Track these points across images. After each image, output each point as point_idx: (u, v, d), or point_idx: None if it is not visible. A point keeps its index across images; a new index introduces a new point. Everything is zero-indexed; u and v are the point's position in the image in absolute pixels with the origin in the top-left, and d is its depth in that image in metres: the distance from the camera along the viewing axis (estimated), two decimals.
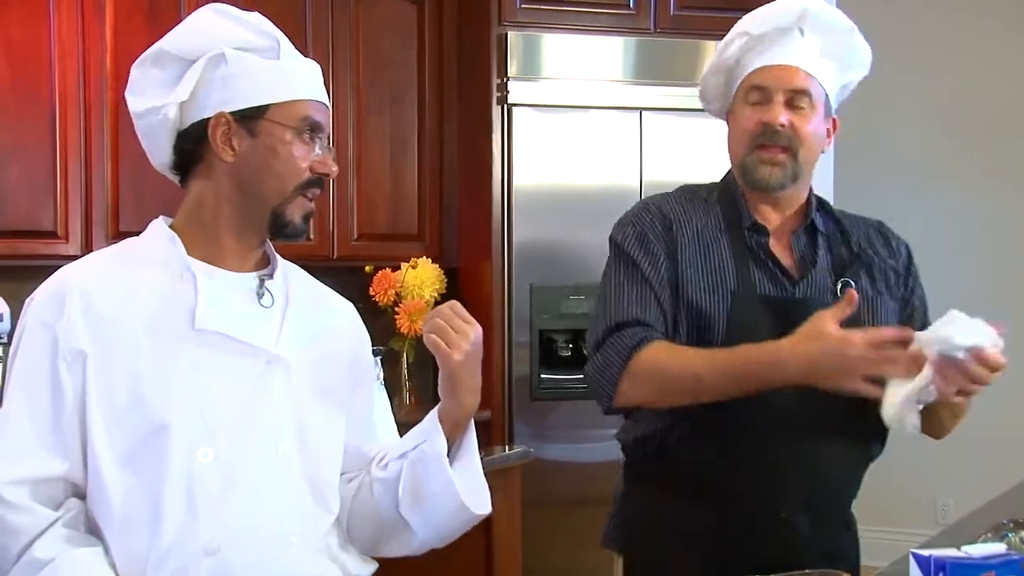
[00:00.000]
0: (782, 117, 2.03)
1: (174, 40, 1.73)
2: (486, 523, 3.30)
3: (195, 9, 4.13)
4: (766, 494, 2.03)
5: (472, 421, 1.79)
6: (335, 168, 1.76)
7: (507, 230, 4.08)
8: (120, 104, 4.02)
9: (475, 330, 1.71)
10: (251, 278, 1.75)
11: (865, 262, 2.11)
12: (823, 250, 2.10)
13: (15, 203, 3.93)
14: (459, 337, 1.69)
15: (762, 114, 2.05)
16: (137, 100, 1.74)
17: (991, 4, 5.40)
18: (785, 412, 1.98)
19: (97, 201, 4.00)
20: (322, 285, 1.90)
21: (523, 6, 4.10)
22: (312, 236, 4.23)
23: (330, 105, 1.80)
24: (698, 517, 2.07)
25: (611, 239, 2.19)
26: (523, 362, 4.08)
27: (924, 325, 2.04)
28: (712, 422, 2.01)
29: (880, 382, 1.83)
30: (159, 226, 1.75)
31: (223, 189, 1.71)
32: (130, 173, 4.04)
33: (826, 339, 1.84)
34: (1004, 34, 5.38)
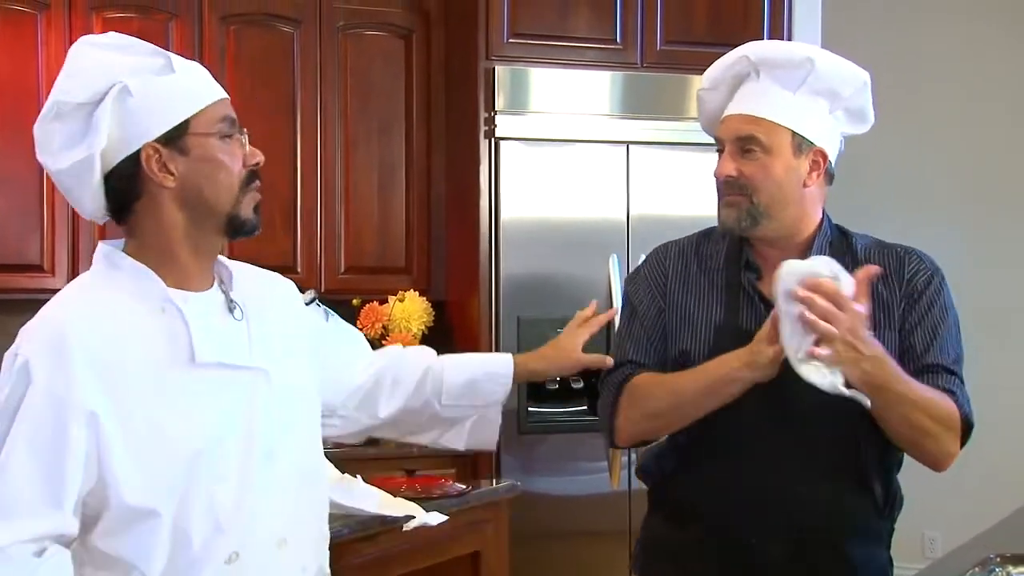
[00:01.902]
0: (727, 169, 2.10)
1: (66, 89, 1.70)
2: (474, 557, 3.29)
3: (182, 43, 4.18)
4: (741, 522, 2.09)
5: None
6: (262, 156, 1.76)
7: (495, 263, 4.08)
8: None
9: None
10: (217, 293, 1.77)
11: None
12: None
13: (1, 236, 3.92)
14: None
15: (718, 166, 2.14)
16: (54, 159, 1.71)
17: (977, 26, 5.44)
18: (768, 447, 2.07)
19: (84, 234, 4.00)
20: (249, 266, 1.90)
21: (511, 40, 4.12)
22: (300, 270, 4.23)
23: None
24: (684, 542, 2.16)
25: (624, 286, 2.36)
26: (511, 395, 4.04)
27: (923, 349, 2.09)
28: (697, 454, 2.12)
29: None
30: (121, 259, 1.72)
31: (172, 213, 1.70)
32: None
33: (753, 359, 1.98)
34: (991, 55, 5.41)
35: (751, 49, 2.14)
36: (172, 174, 1.68)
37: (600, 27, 4.22)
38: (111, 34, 1.75)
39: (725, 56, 2.18)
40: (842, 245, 2.17)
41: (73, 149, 1.68)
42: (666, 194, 4.21)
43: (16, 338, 1.68)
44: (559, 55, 4.18)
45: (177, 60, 1.72)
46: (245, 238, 1.77)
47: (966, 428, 2.07)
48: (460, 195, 4.29)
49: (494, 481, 3.66)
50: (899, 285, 2.14)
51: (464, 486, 3.18)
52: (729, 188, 2.11)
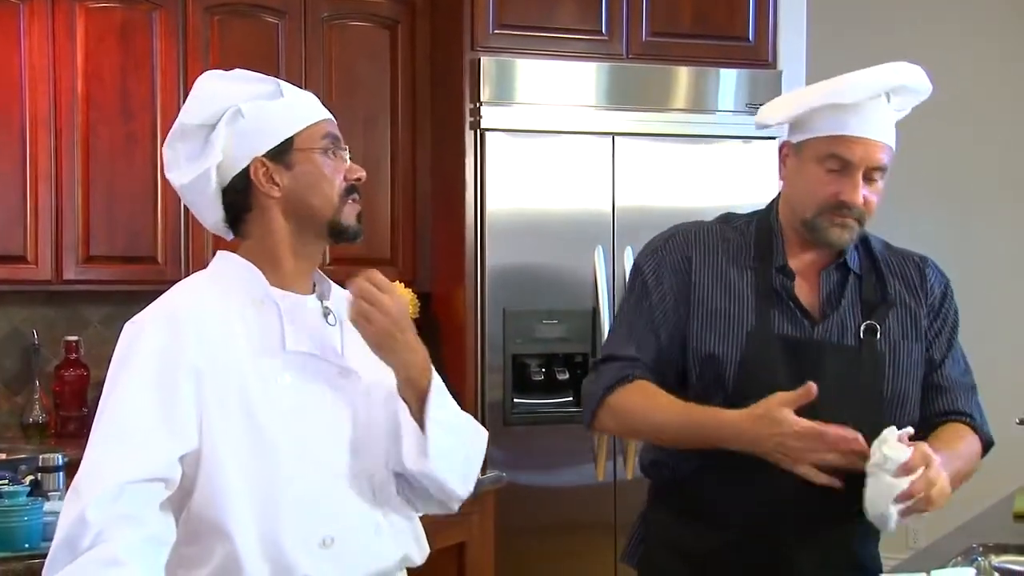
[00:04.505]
0: (860, 198, 2.02)
1: (192, 113, 1.90)
2: (459, 549, 3.30)
3: (166, 34, 4.17)
4: (770, 531, 2.06)
5: (429, 382, 1.90)
6: (363, 172, 1.96)
7: (480, 255, 4.08)
8: (91, 128, 4.02)
9: (387, 301, 1.84)
10: (314, 299, 1.93)
11: (895, 304, 2.11)
12: (852, 291, 2.10)
13: None
14: (371, 310, 1.83)
15: (839, 187, 2.02)
16: (179, 175, 1.91)
17: (960, 26, 5.46)
18: None
19: (67, 226, 3.98)
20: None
21: (496, 31, 4.11)
22: None
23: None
24: (706, 547, 2.11)
25: (636, 263, 2.22)
26: (496, 387, 4.08)
27: (940, 363, 2.13)
28: (724, 459, 2.03)
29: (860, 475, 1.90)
30: (232, 258, 1.91)
31: (279, 221, 1.88)
32: (101, 197, 4.02)
33: (770, 423, 1.90)
34: (975, 52, 5.43)
35: (910, 77, 2.08)
36: (278, 185, 1.87)
37: (585, 18, 4.21)
38: (236, 70, 1.95)
39: (875, 74, 2.07)
40: (864, 246, 2.15)
41: (193, 164, 1.89)
42: (651, 186, 4.21)
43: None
44: (545, 46, 4.17)
45: (286, 86, 1.93)
46: (348, 243, 1.95)
47: (987, 447, 2.13)
48: (446, 187, 4.28)
49: (479, 472, 3.67)
50: (923, 296, 2.14)
51: None
52: (848, 212, 2.03)
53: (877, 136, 2.03)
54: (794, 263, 2.11)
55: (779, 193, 2.18)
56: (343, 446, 1.86)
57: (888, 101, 2.07)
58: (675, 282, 2.11)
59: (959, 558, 2.12)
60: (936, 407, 2.12)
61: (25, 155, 3.94)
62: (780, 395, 1.91)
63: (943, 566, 2.01)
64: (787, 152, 2.12)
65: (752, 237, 2.14)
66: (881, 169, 2.03)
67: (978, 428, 2.12)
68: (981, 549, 2.19)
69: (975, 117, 5.44)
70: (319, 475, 1.82)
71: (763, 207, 2.21)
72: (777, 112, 2.16)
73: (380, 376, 1.95)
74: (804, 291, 2.10)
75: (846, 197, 2.01)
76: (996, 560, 2.15)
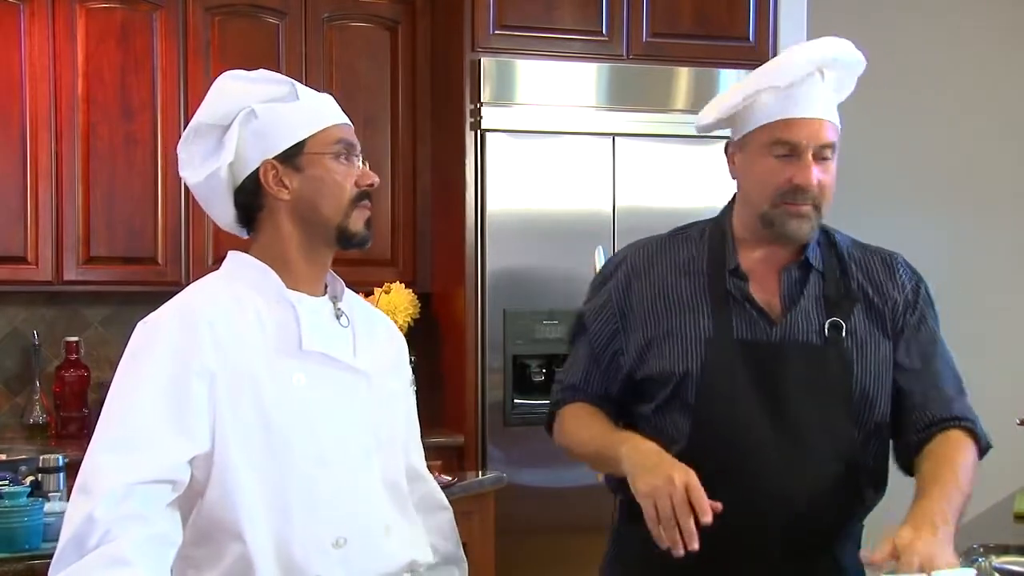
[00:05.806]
0: (814, 178, 1.98)
1: (207, 112, 1.91)
2: None
3: (167, 34, 4.17)
4: (742, 532, 2.00)
5: None
6: (376, 178, 1.93)
7: (480, 255, 4.08)
8: (91, 128, 4.03)
9: None
10: (327, 302, 1.94)
11: (859, 299, 2.06)
12: (814, 288, 2.05)
13: None
14: None
15: (792, 171, 1.98)
16: (193, 173, 1.93)
17: (962, 25, 5.46)
18: (766, 456, 1.99)
19: (68, 227, 3.98)
20: (363, 300, 2.08)
21: (496, 32, 4.12)
22: None
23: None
24: (681, 561, 2.01)
25: (584, 302, 2.23)
26: (496, 387, 4.08)
27: (924, 363, 2.05)
28: (689, 464, 1.99)
29: None
30: (245, 259, 1.91)
31: (289, 224, 1.89)
32: (101, 198, 4.02)
33: (665, 480, 1.83)
34: (976, 54, 5.43)
35: (839, 50, 2.05)
36: (287, 188, 1.87)
37: (586, 19, 4.22)
38: (257, 71, 1.95)
39: (801, 53, 2.05)
40: (827, 242, 2.11)
41: (207, 163, 1.90)
42: (652, 186, 4.22)
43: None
44: (545, 47, 4.17)
45: (303, 89, 1.93)
46: (357, 249, 1.94)
47: (985, 451, 2.04)
48: (446, 187, 4.28)
49: (480, 473, 3.67)
50: (889, 292, 2.08)
51: (450, 478, 3.19)
52: (803, 197, 1.99)
53: (819, 114, 2.00)
54: (750, 264, 2.07)
55: (732, 196, 2.15)
56: (357, 446, 1.87)
57: (823, 79, 2.03)
58: (613, 311, 2.11)
59: (960, 558, 2.12)
60: (929, 413, 2.03)
61: (25, 155, 3.94)
62: (692, 475, 1.84)
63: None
64: (733, 151, 2.10)
65: (706, 244, 2.10)
66: (830, 146, 2.00)
67: (978, 434, 2.02)
68: (982, 550, 2.19)
69: (976, 117, 5.43)
70: (333, 475, 1.82)
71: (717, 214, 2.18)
72: (714, 110, 2.14)
73: (390, 380, 1.97)
74: (762, 291, 2.05)
75: (800, 180, 1.98)
76: (997, 561, 2.15)
